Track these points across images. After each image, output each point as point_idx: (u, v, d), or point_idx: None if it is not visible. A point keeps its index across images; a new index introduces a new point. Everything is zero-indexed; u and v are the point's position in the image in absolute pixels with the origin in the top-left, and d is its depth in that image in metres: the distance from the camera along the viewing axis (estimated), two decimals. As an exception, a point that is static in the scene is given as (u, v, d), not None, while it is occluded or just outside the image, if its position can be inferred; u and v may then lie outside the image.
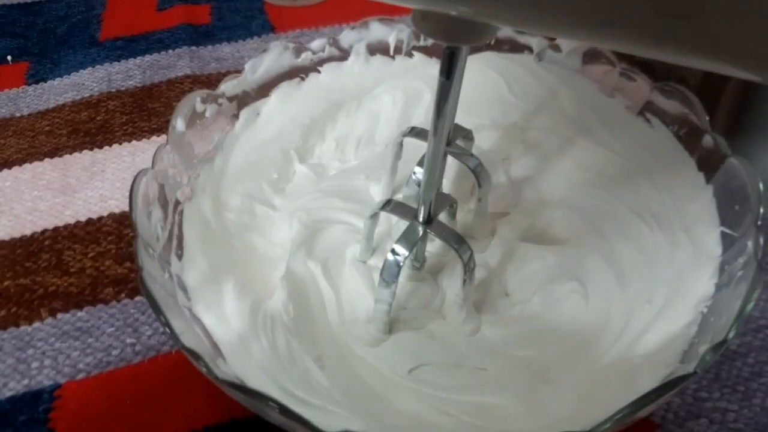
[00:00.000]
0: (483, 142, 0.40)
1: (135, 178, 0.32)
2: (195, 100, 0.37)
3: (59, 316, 0.38)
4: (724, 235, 0.31)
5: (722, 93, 0.38)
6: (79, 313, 0.39)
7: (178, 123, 0.36)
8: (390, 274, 0.30)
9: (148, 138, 0.50)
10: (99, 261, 0.41)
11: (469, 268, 0.30)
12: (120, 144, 0.49)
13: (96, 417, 0.34)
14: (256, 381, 0.28)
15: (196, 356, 0.26)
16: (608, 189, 0.36)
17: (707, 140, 0.35)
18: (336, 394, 0.29)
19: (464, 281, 0.31)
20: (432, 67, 0.44)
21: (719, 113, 0.38)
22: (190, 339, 0.27)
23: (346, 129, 0.42)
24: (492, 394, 0.30)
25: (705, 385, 0.34)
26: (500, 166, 0.38)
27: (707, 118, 0.35)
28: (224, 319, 0.31)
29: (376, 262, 0.35)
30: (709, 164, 0.34)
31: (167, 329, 0.27)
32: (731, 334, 0.25)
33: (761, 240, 0.28)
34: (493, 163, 0.38)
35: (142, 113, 0.52)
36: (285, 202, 0.38)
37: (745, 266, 0.28)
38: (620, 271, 0.33)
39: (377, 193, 0.38)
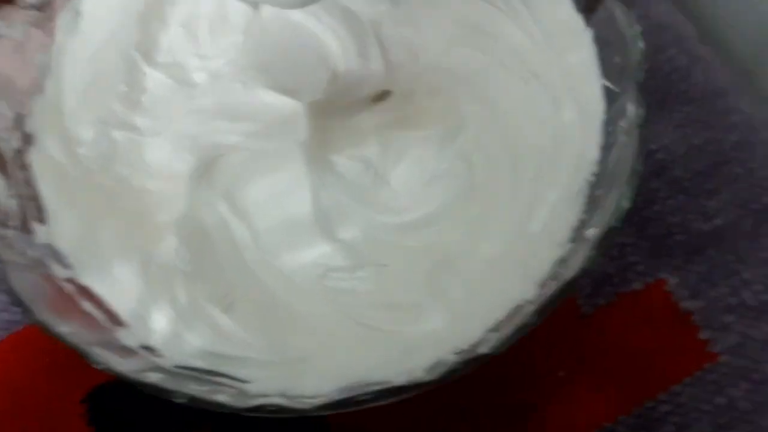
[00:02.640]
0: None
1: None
2: (-10, 24, 0.30)
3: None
4: (606, 89, 0.30)
5: None
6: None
7: (-18, 62, 0.30)
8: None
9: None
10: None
11: None
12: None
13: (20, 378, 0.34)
14: (165, 347, 0.28)
15: (84, 354, 0.25)
16: (487, 48, 0.33)
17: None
18: (248, 334, 0.29)
19: None
20: None
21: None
22: (74, 330, 0.26)
23: (189, 6, 0.36)
24: (401, 291, 0.30)
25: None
26: (372, 35, 0.34)
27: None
28: (115, 282, 0.30)
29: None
30: (588, 3, 0.31)
31: (46, 331, 0.25)
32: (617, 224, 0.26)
33: (642, 109, 0.27)
34: (365, 31, 0.34)
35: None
36: (150, 121, 0.33)
37: (627, 133, 0.28)
38: (506, 139, 0.32)
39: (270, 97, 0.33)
